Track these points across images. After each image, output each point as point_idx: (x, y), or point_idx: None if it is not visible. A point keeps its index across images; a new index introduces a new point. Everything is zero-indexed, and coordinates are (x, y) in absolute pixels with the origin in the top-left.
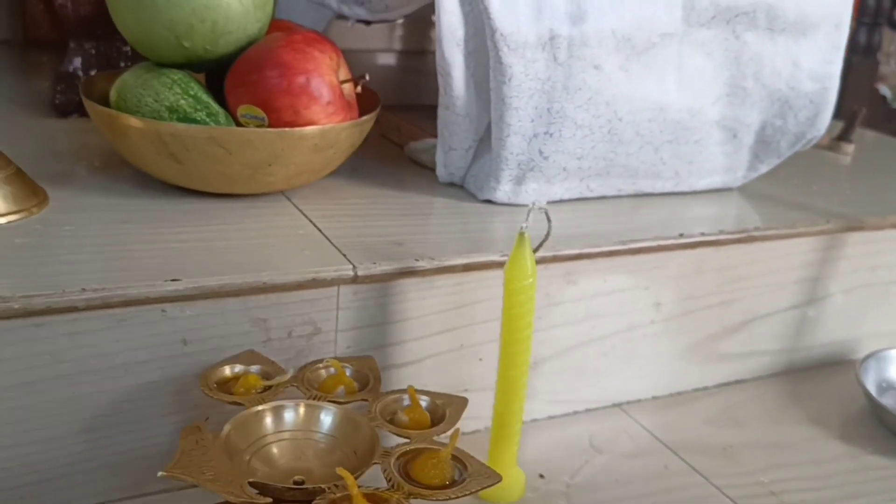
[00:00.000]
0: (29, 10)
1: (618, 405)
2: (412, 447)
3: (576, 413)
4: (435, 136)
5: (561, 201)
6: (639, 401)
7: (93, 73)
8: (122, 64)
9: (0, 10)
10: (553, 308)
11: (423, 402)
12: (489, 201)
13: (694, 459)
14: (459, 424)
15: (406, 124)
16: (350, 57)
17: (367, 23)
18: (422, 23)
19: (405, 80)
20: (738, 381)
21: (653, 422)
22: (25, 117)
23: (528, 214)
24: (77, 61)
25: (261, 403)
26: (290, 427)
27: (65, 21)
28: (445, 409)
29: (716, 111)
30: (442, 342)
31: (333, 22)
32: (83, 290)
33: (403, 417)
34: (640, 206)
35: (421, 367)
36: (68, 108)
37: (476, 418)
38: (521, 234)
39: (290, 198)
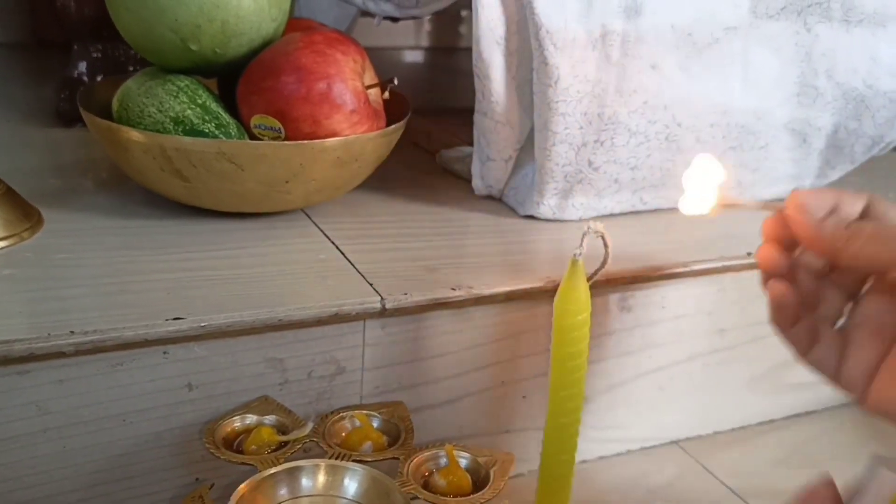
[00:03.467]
0: (38, 10)
1: (675, 442)
2: None
3: (629, 452)
4: (468, 142)
5: (611, 215)
6: (699, 437)
7: (99, 78)
8: (131, 68)
9: (8, 10)
10: (605, 338)
11: (463, 460)
12: (531, 217)
13: None
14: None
15: (437, 130)
16: (374, 55)
17: (395, 20)
18: (451, 17)
19: (434, 80)
20: (808, 413)
21: (716, 461)
22: (27, 126)
23: (582, 239)
24: (82, 65)
25: (275, 464)
26: (308, 492)
27: (67, 22)
28: (489, 470)
29: (784, 113)
30: (481, 379)
31: (358, 19)
32: (72, 332)
33: (440, 481)
34: (697, 219)
35: (457, 408)
36: (72, 116)
37: (519, 461)
38: (574, 262)
39: (310, 215)
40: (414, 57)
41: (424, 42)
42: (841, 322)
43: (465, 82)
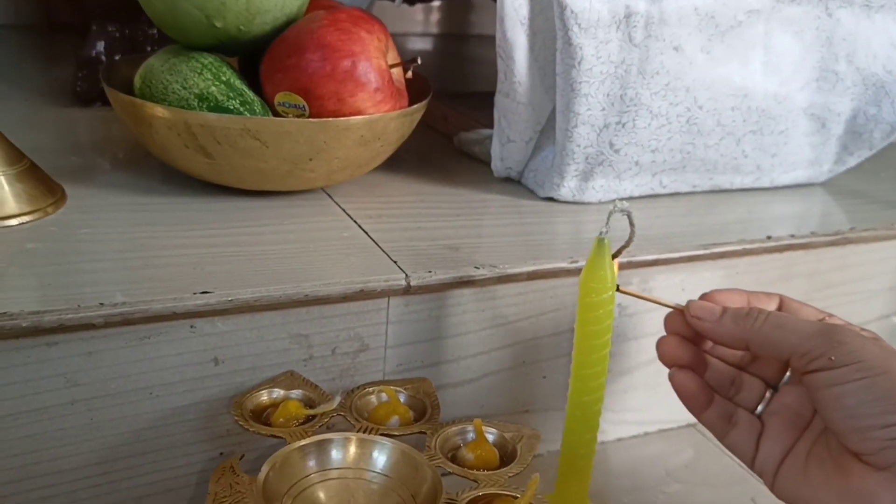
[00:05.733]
0: None
1: (693, 425)
2: (481, 493)
3: (647, 434)
4: (486, 125)
5: (630, 198)
6: None
7: (117, 57)
8: (149, 48)
9: None
10: (625, 319)
11: (490, 435)
12: (551, 199)
13: None
14: (542, 470)
15: (454, 113)
16: None
17: (412, 2)
18: (462, 4)
19: (444, 66)
20: None
21: None
22: (45, 106)
23: (608, 217)
24: (100, 45)
25: (303, 437)
26: (338, 465)
27: (86, 2)
28: (515, 445)
29: (804, 98)
30: (502, 358)
31: (375, 2)
32: (101, 304)
33: (468, 455)
34: (715, 203)
35: (478, 386)
36: (91, 95)
37: None
38: (601, 241)
39: (331, 195)
40: (423, 43)
41: (434, 29)
42: (760, 408)
43: (475, 68)
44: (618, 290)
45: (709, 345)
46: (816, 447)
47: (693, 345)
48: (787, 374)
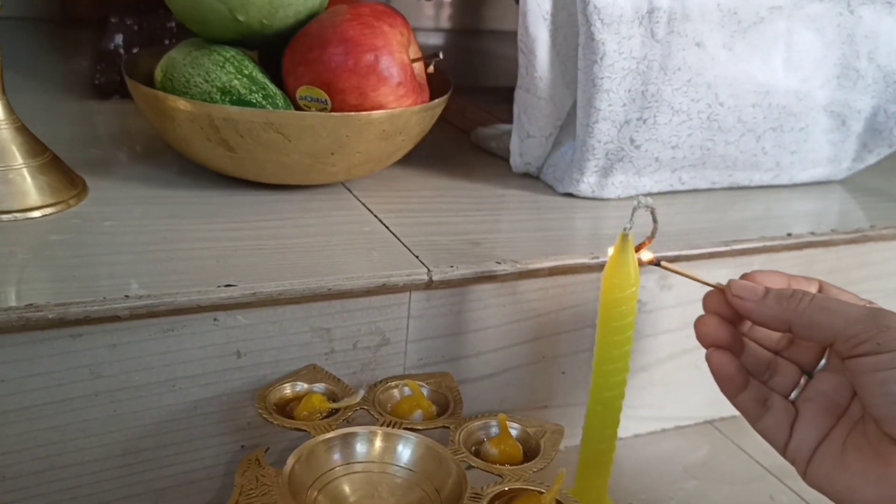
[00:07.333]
0: None
1: (710, 422)
2: (506, 488)
3: (664, 431)
4: (504, 120)
5: (649, 194)
6: (733, 417)
7: (135, 50)
8: (167, 41)
9: None
10: (645, 316)
11: (513, 430)
12: (570, 195)
13: (803, 489)
14: (561, 465)
15: (472, 108)
16: None
17: None
18: (473, 1)
19: (458, 61)
20: None
21: (751, 442)
22: (64, 99)
23: (632, 213)
24: (118, 38)
25: (328, 430)
26: (362, 458)
27: None
28: (539, 440)
29: (824, 95)
30: (521, 353)
31: None
32: (126, 296)
33: (492, 450)
34: (734, 200)
35: (497, 381)
36: (109, 88)
37: None
38: (624, 236)
39: (350, 189)
40: (436, 39)
41: (446, 24)
42: (795, 394)
43: (489, 64)
44: (659, 265)
45: (746, 326)
46: (853, 435)
47: (732, 326)
48: (823, 360)
